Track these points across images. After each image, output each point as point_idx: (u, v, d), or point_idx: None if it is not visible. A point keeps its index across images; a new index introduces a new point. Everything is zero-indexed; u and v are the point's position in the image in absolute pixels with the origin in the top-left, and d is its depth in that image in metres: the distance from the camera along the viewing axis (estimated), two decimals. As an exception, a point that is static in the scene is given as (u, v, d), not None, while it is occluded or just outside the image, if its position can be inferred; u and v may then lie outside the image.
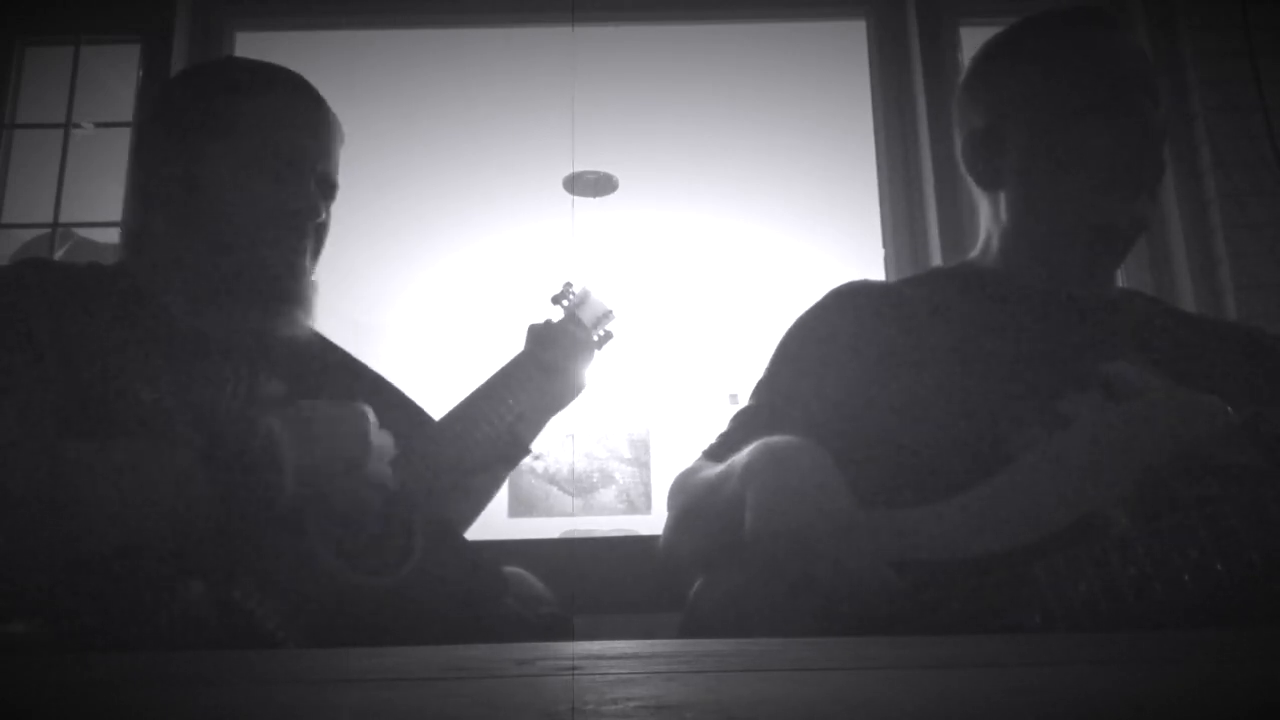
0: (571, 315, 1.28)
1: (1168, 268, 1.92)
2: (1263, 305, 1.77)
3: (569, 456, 4.87)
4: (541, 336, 1.24)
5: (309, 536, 0.90)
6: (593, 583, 1.50)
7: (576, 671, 0.44)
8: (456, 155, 3.44)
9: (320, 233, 1.08)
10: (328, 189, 1.08)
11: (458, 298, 4.32)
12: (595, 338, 1.29)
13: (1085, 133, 0.98)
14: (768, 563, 0.73)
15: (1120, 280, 1.07)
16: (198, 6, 2.06)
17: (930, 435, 0.90)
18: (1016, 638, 0.67)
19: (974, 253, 1.10)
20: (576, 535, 4.26)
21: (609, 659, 0.48)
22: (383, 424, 0.97)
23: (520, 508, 4.76)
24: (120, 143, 2.01)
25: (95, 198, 2.03)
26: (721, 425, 1.01)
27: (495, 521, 4.22)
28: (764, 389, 1.01)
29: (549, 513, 4.80)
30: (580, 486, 4.87)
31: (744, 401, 1.02)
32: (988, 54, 1.08)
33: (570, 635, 1.05)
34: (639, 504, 4.84)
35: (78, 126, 2.04)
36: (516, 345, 1.24)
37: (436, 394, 1.18)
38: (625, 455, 4.92)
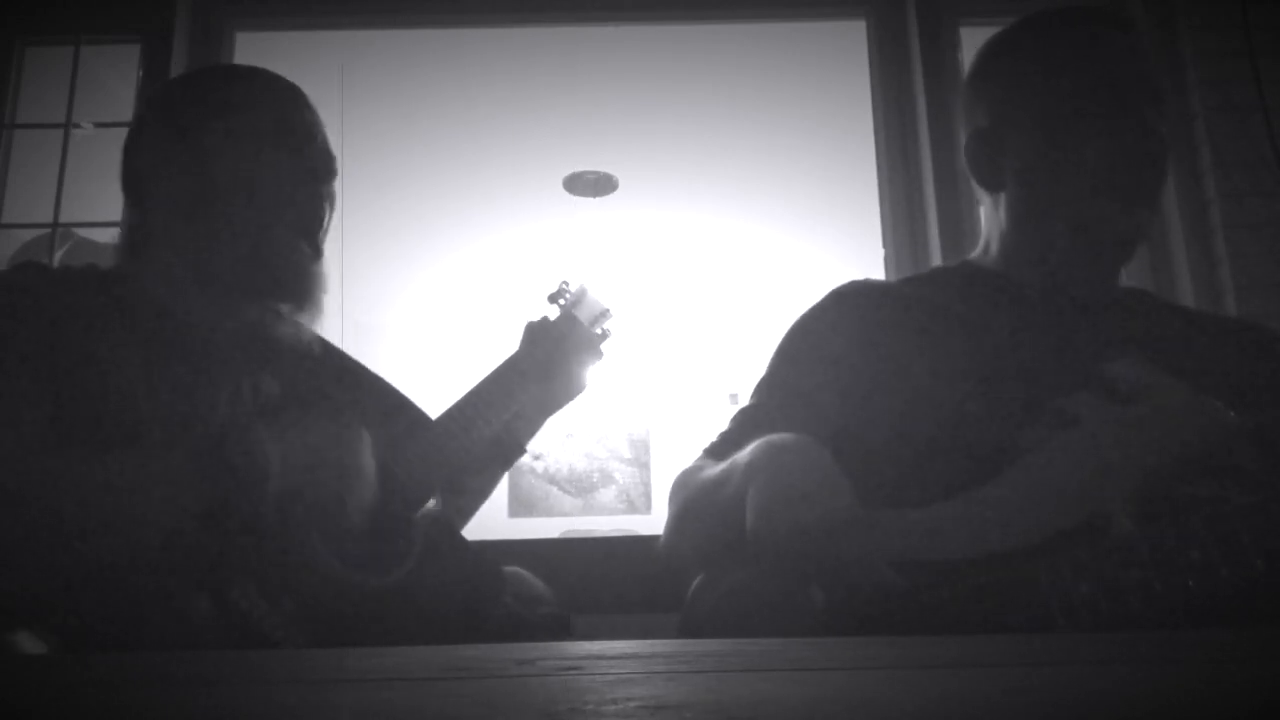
0: (568, 314, 1.27)
1: (1168, 268, 1.92)
2: (1263, 305, 1.77)
3: (569, 456, 4.86)
4: (538, 335, 1.24)
5: (308, 538, 0.90)
6: (592, 583, 1.50)
7: (576, 671, 0.44)
8: (456, 155, 3.44)
9: (328, 207, 1.07)
10: (329, 160, 1.08)
11: (457, 298, 4.32)
12: (594, 337, 1.29)
13: (1083, 135, 0.97)
14: (768, 561, 0.73)
15: (1122, 279, 1.06)
16: (198, 6, 2.06)
17: (931, 435, 0.90)
18: (1017, 638, 0.67)
19: (975, 253, 1.10)
20: (576, 535, 4.25)
21: (609, 659, 0.47)
22: (382, 425, 0.96)
23: (520, 508, 4.76)
24: (120, 143, 2.00)
25: (95, 198, 2.02)
26: (722, 425, 1.01)
27: (495, 521, 4.23)
28: (765, 388, 1.01)
29: (549, 513, 4.80)
30: (580, 486, 4.86)
31: (744, 401, 1.02)
32: (991, 52, 1.07)
33: (570, 635, 1.05)
34: (639, 504, 4.83)
35: (78, 126, 2.04)
36: (515, 345, 1.24)
37: (436, 394, 1.18)
38: (625, 455, 4.92)
